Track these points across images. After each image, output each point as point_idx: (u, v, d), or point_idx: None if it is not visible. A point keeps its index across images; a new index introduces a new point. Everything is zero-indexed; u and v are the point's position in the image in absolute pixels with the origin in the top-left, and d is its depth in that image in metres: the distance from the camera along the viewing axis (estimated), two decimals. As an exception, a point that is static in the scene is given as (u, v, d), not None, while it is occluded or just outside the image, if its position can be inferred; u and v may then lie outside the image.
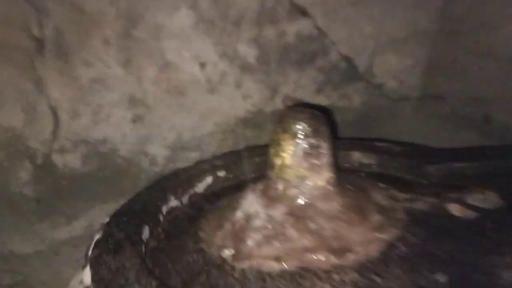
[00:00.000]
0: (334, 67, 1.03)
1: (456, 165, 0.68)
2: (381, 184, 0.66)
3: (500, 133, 1.00)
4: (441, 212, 0.60)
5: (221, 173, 0.80)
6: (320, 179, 0.58)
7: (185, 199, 0.76)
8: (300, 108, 0.59)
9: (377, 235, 0.55)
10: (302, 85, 1.02)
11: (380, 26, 1.03)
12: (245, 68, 0.96)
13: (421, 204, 0.61)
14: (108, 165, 0.94)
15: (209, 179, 0.79)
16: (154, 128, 0.94)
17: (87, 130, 0.90)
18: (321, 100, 1.06)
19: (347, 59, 1.04)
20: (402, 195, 0.63)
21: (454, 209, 0.60)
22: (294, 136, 0.57)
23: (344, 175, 0.65)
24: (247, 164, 0.83)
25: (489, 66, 0.99)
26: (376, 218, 0.57)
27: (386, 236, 0.55)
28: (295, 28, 0.97)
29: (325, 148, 0.57)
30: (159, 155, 0.97)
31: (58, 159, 0.90)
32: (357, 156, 0.78)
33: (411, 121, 1.15)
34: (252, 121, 1.00)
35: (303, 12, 0.96)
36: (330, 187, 0.58)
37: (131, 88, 0.90)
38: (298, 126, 0.57)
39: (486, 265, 0.45)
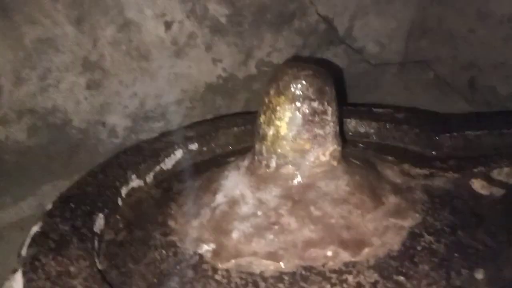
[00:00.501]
0: (313, 29, 0.96)
1: (472, 134, 0.58)
2: (390, 158, 0.55)
3: (486, 98, 0.97)
4: (465, 191, 0.49)
5: (193, 146, 0.68)
6: (324, 152, 0.45)
7: (149, 178, 0.63)
8: (300, 64, 0.46)
9: (396, 221, 0.43)
10: (278, 49, 0.94)
11: (362, -15, 0.97)
12: (215, 29, 0.88)
13: (441, 181, 0.51)
14: (59, 137, 0.85)
15: (178, 154, 0.67)
16: (112, 96, 0.86)
17: (33, 98, 0.80)
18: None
19: (327, 21, 0.97)
20: (417, 171, 0.52)
21: (479, 186, 0.50)
22: (293, 99, 0.44)
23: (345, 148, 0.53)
24: (224, 135, 0.70)
25: (477, 28, 0.94)
26: (391, 200, 0.46)
27: (406, 222, 0.44)
28: (271, -16, 0.88)
29: (330, 114, 0.45)
30: (118, 125, 0.88)
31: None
32: (352, 124, 0.67)
33: (392, 88, 1.11)
34: (223, 88, 0.93)
35: (280, -32, 0.88)
36: (335, 163, 0.46)
37: (85, 49, 0.81)
38: (298, 86, 0.44)
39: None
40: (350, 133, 0.67)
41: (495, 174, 0.52)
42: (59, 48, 0.79)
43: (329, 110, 0.45)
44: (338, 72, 0.95)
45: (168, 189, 0.60)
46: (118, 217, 0.55)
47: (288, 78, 0.44)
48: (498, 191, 0.49)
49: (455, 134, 0.59)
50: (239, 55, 0.92)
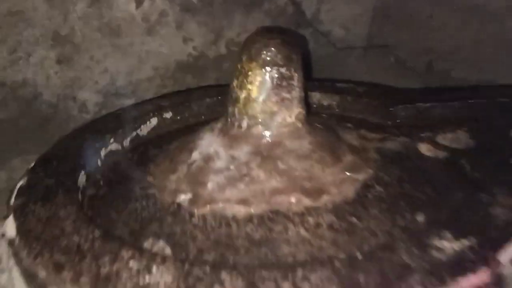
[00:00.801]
0: (281, 12, 0.98)
1: (423, 106, 0.65)
2: (349, 125, 0.61)
3: (441, 81, 1.02)
4: (413, 152, 0.56)
5: (167, 115, 0.71)
6: (290, 115, 0.51)
7: (126, 142, 0.66)
8: (270, 33, 0.51)
9: (351, 175, 0.50)
10: (248, 30, 0.95)
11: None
12: (186, 7, 0.89)
13: (392, 144, 0.57)
14: (29, 111, 0.85)
15: (153, 121, 0.70)
16: (83, 71, 0.86)
17: (3, 71, 0.80)
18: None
19: (295, 4, 1.00)
20: (372, 135, 0.58)
21: (425, 149, 0.57)
22: (263, 64, 0.49)
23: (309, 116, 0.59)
24: (197, 105, 0.74)
25: (436, 15, 0.99)
26: (348, 158, 0.52)
27: (360, 176, 0.50)
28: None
29: (296, 80, 0.50)
30: (89, 100, 0.89)
31: (-33, 104, 0.79)
32: (316, 97, 0.72)
33: (356, 70, 1.13)
34: (193, 66, 0.94)
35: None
36: (300, 124, 0.52)
37: (55, 24, 0.81)
38: (267, 53, 0.49)
39: (474, 204, 0.42)
40: (315, 105, 0.72)
41: (440, 139, 0.58)
42: (29, 22, 0.78)
43: (296, 76, 0.50)
44: (304, 44, 0.98)
45: (145, 153, 0.64)
46: (98, 176, 0.58)
47: (259, 45, 0.49)
48: (441, 154, 0.56)
49: (408, 106, 0.66)
50: (210, 34, 0.93)
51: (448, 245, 0.37)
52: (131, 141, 0.67)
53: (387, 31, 1.08)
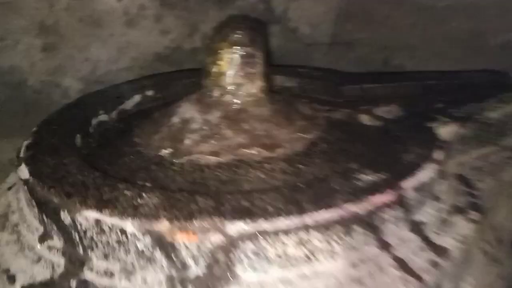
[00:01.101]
0: (252, 8, 1.06)
1: (366, 86, 0.78)
2: (304, 100, 0.73)
3: None
4: (354, 121, 0.69)
5: (149, 93, 0.82)
6: (254, 87, 0.63)
7: (113, 115, 0.76)
8: (239, 19, 0.63)
9: (302, 135, 0.62)
10: None
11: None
12: (165, 2, 0.96)
13: (338, 114, 0.70)
14: (16, 96, 0.90)
15: (137, 97, 0.80)
16: (66, 59, 0.92)
17: None
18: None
19: (265, 1, 1.08)
20: (322, 107, 0.71)
21: (365, 118, 0.70)
22: (232, 44, 0.61)
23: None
24: (176, 85, 0.85)
25: (393, 14, 1.09)
26: (300, 122, 0.64)
27: (309, 136, 0.62)
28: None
29: (260, 57, 0.62)
30: (71, 87, 0.94)
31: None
32: (280, 80, 0.84)
33: (321, 64, 1.16)
34: (170, 57, 1.01)
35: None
36: (262, 95, 0.64)
37: (42, 14, 0.86)
38: (236, 36, 0.60)
39: (391, 152, 0.55)
40: (277, 87, 0.84)
41: (377, 111, 0.71)
42: (17, 12, 0.83)
43: (258, 54, 0.62)
44: (265, 30, 1.07)
45: (131, 122, 0.74)
46: (90, 139, 0.69)
47: (229, 29, 0.61)
48: (377, 122, 0.69)
49: (355, 86, 0.79)
50: (186, 28, 1.00)
51: (366, 177, 0.49)
52: (118, 114, 0.77)
53: (349, 29, 1.18)
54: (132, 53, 0.97)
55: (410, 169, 0.51)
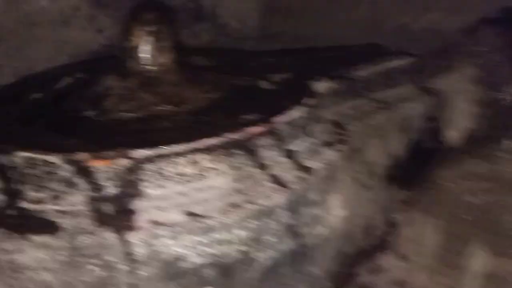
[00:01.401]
0: (183, 7, 1.16)
1: (266, 60, 0.93)
2: (211, 70, 0.88)
3: None
4: (254, 85, 0.83)
5: (80, 75, 0.93)
6: (164, 57, 0.76)
7: (47, 92, 0.87)
8: (149, 3, 0.76)
9: (205, 95, 0.76)
10: None
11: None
12: (98, 3, 1.05)
13: (239, 80, 0.84)
14: None
15: (68, 79, 0.91)
16: (4, 58, 0.98)
17: None
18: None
19: (194, 0, 1.18)
20: (226, 76, 0.85)
21: (262, 84, 0.84)
22: (143, 24, 0.74)
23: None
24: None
25: (309, 7, 1.23)
26: (205, 87, 0.78)
27: (212, 96, 0.76)
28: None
29: (166, 33, 0.76)
30: None
31: None
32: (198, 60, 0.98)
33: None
34: (105, 54, 1.06)
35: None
36: (172, 65, 0.77)
37: None
38: (147, 15, 0.74)
39: (273, 103, 0.70)
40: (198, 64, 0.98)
41: (273, 78, 0.86)
42: None
43: (166, 30, 0.76)
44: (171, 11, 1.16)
45: (62, 97, 0.85)
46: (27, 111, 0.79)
47: (141, 9, 0.74)
48: (272, 86, 0.84)
49: (259, 60, 0.94)
50: (119, 26, 0.98)
51: (247, 117, 0.64)
52: (51, 92, 0.87)
53: (276, 22, 1.28)
54: (68, 52, 1.03)
55: (282, 110, 0.66)
